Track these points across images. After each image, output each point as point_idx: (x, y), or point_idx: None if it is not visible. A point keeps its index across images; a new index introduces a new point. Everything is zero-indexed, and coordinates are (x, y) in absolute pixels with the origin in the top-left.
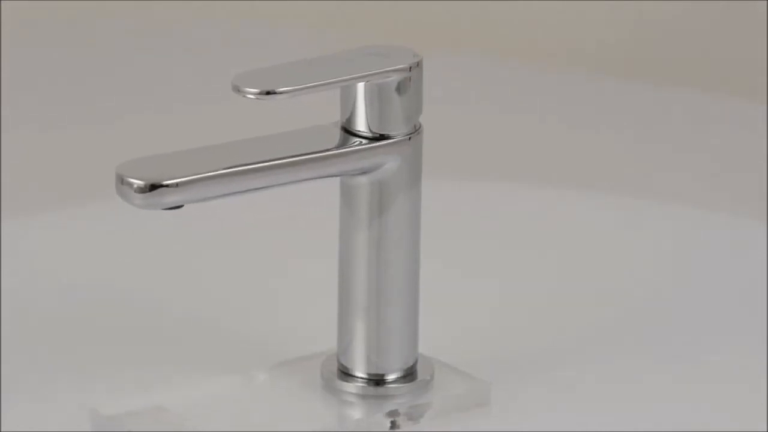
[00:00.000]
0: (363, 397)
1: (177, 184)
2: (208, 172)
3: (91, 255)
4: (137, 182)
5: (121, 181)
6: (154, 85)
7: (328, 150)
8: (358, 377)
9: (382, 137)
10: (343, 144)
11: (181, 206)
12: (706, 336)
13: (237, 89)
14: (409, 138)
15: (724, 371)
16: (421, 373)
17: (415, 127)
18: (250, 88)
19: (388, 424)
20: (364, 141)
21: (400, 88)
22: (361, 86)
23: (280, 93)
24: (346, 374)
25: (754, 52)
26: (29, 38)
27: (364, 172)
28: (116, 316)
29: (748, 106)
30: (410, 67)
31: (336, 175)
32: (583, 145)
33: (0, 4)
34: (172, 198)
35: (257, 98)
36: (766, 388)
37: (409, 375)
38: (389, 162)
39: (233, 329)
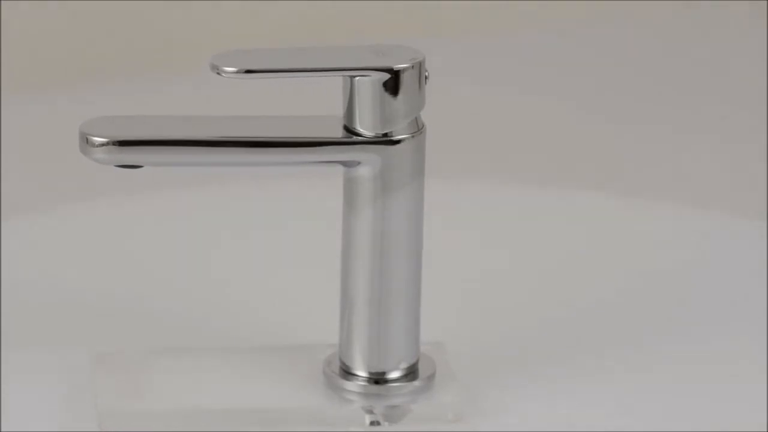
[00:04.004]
0: (363, 395)
1: (135, 143)
2: (166, 137)
3: (92, 253)
4: (98, 139)
5: (85, 139)
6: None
7: (298, 137)
8: (358, 375)
9: (384, 135)
10: (326, 135)
11: (141, 166)
12: (705, 335)
13: (215, 68)
14: (412, 136)
15: (724, 370)
16: (422, 373)
17: (417, 125)
18: (227, 67)
19: (368, 422)
20: (358, 137)
21: (397, 87)
22: (357, 82)
23: (258, 72)
24: (347, 372)
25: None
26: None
27: (347, 166)
28: (116, 312)
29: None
30: (411, 66)
31: (302, 164)
32: (583, 144)
33: (0, 3)
34: (129, 156)
35: (234, 77)
36: (766, 388)
37: (410, 374)
38: (390, 160)
39: (234, 326)
